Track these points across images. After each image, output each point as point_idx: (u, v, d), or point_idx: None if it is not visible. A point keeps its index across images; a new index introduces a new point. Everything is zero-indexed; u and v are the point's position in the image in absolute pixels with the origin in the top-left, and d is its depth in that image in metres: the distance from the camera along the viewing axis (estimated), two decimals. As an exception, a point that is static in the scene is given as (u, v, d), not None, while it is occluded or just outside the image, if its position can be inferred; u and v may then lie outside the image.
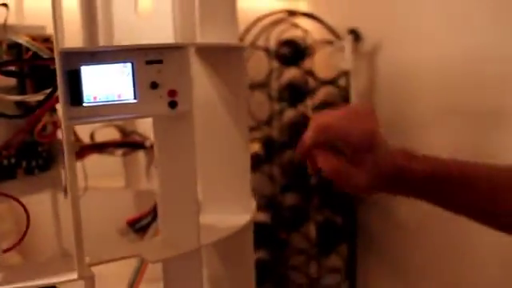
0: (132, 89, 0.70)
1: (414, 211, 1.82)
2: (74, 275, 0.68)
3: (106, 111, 0.69)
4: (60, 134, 0.91)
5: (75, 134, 1.04)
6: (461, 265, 1.72)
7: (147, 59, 0.70)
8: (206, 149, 0.88)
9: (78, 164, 1.01)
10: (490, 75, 1.59)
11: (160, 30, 1.02)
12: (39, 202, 0.99)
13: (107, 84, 0.70)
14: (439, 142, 1.74)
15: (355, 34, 1.84)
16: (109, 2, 1.08)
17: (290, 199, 1.93)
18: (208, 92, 0.87)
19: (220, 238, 0.79)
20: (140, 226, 1.03)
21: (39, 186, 1.00)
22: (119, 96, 0.70)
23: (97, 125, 1.10)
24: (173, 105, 0.72)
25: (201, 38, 0.88)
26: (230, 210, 0.88)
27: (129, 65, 0.70)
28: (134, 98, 0.70)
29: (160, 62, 0.71)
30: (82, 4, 1.03)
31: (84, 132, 1.09)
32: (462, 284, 1.73)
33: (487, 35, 1.59)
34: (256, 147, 1.87)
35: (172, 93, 0.71)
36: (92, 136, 1.13)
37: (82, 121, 0.69)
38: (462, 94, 1.67)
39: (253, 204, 0.93)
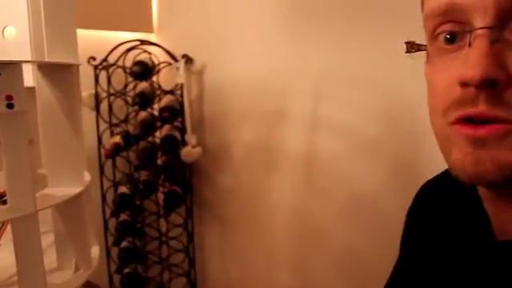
0: (-24, 94, 0.66)
1: (230, 181, 1.87)
2: None
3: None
4: None
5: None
6: (259, 215, 1.79)
7: (-13, 72, 0.66)
8: (49, 139, 0.85)
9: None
10: (277, 87, 1.67)
11: (21, 51, 0.96)
12: None
13: (-45, 90, 0.65)
14: (247, 133, 1.80)
15: (187, 58, 1.85)
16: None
17: (143, 175, 1.91)
18: (49, 96, 0.84)
19: (53, 204, 0.77)
20: (5, 198, 0.97)
21: None
22: (-35, 99, 0.66)
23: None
24: (10, 106, 0.68)
25: (48, 58, 0.84)
26: (68, 184, 0.85)
27: (-28, 76, 0.66)
28: (-22, 101, 0.66)
29: (-2, 74, 0.67)
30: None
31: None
32: (260, 227, 1.80)
33: (276, 60, 1.66)
34: (117, 139, 1.82)
35: (9, 97, 0.68)
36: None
37: None
38: (260, 99, 1.73)
39: (86, 179, 0.90)
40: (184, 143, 1.84)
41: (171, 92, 1.88)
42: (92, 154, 1.85)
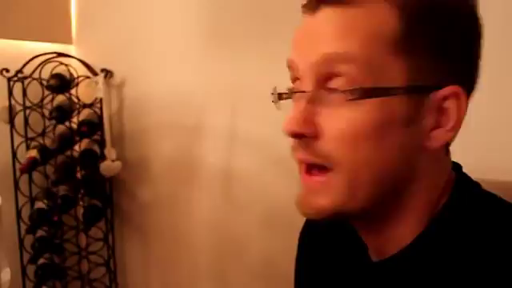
0: None
1: (151, 195, 1.85)
2: None
3: None
4: None
5: None
6: (180, 227, 1.79)
7: None
8: None
9: None
10: (196, 102, 1.68)
11: None
12: None
13: None
14: (167, 147, 1.80)
15: (107, 72, 1.82)
16: None
17: (62, 190, 1.84)
18: None
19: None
20: None
21: None
22: None
23: None
24: None
25: None
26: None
27: None
28: None
29: None
30: None
31: None
32: (182, 239, 1.80)
33: (195, 76, 1.68)
34: (34, 153, 1.74)
35: None
36: None
37: None
38: (180, 114, 1.75)
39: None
40: (103, 157, 1.80)
41: (90, 106, 1.83)
42: (6, 169, 1.76)
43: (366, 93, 0.48)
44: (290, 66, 0.53)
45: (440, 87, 0.49)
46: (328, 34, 0.50)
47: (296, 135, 0.51)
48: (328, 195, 0.50)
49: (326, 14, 0.50)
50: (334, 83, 0.49)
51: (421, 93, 0.49)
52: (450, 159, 0.56)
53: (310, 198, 0.52)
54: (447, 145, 0.55)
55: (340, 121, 0.49)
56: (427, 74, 0.49)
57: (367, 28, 0.48)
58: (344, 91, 0.48)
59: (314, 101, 0.50)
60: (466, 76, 0.51)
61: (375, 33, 0.48)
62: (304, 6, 0.53)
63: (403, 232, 0.53)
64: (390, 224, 0.54)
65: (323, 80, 0.50)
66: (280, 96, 0.55)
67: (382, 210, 0.53)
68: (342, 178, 0.49)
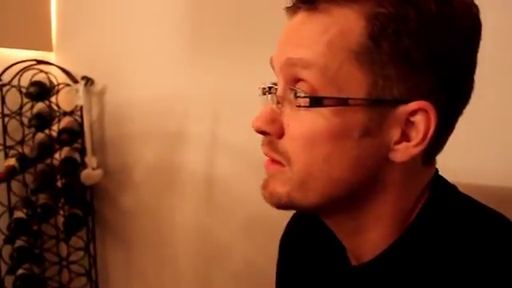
0: None
1: (133, 202, 1.84)
2: None
3: None
4: None
5: None
6: (163, 235, 1.78)
7: None
8: None
9: None
10: (178, 109, 1.68)
11: None
12: None
13: None
14: (149, 154, 1.79)
15: (87, 79, 1.80)
16: None
17: (42, 199, 1.81)
18: None
19: None
20: None
21: None
22: None
23: None
24: None
25: None
26: None
27: None
28: None
29: None
30: None
31: None
32: (164, 246, 1.78)
33: (176, 83, 1.68)
34: (13, 161, 1.71)
35: None
36: None
37: None
38: (161, 121, 1.74)
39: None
40: (84, 165, 1.78)
41: (71, 113, 1.81)
42: (-17, 179, 1.73)
43: (323, 101, 0.48)
44: (271, 64, 0.55)
45: (407, 101, 0.48)
46: (294, 38, 0.51)
47: (261, 132, 0.53)
48: (284, 185, 0.52)
49: (300, 18, 0.51)
50: (299, 86, 0.50)
51: (384, 106, 0.49)
52: (430, 169, 0.55)
53: (269, 183, 0.54)
54: (427, 156, 0.53)
55: (300, 124, 0.50)
56: (392, 87, 0.48)
57: (331, 36, 0.48)
58: (304, 97, 0.49)
59: (282, 101, 0.52)
60: (439, 92, 0.49)
61: (339, 42, 0.48)
62: (286, 9, 0.54)
63: (374, 237, 0.54)
64: (359, 229, 0.54)
65: (292, 82, 0.51)
66: (263, 91, 0.57)
67: (346, 213, 0.54)
68: (295, 174, 0.51)
